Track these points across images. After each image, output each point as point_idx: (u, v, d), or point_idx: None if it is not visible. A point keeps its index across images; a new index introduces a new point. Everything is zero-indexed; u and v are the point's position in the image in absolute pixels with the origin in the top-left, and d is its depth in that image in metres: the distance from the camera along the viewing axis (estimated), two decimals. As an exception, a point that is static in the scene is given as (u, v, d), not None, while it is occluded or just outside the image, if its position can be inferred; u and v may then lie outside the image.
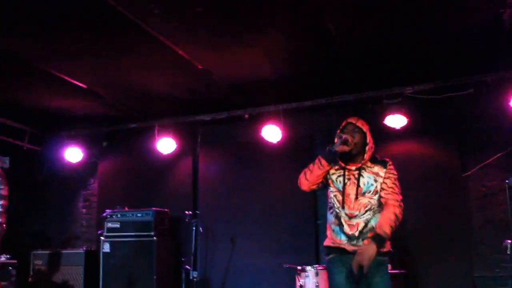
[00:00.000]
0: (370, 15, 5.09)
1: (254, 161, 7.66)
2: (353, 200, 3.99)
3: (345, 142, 3.94)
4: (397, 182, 4.04)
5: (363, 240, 3.90)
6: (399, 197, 3.99)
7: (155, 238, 7.08)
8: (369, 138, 4.08)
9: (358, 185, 4.01)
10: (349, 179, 4.05)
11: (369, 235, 3.89)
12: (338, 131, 4.13)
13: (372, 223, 3.93)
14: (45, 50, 5.78)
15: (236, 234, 7.44)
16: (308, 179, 4.10)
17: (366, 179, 4.02)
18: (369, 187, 4.00)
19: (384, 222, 3.85)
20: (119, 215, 7.37)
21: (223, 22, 5.18)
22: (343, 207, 4.01)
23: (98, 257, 7.36)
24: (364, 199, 3.97)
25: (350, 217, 3.97)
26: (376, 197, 3.98)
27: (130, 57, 5.95)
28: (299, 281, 6.00)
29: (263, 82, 6.65)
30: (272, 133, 7.16)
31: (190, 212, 7.23)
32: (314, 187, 4.17)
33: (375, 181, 4.01)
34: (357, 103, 7.05)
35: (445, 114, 6.80)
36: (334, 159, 4.03)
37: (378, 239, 3.78)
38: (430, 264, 6.54)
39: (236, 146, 7.88)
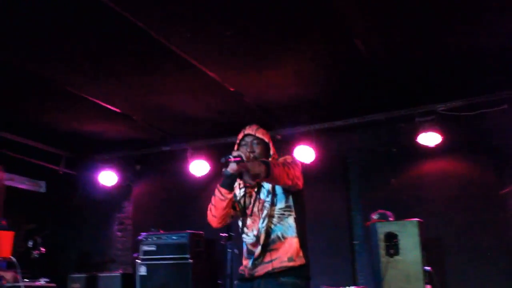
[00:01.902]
0: (399, 32, 5.08)
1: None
2: (255, 218, 3.49)
3: (240, 162, 3.23)
4: (293, 163, 3.38)
5: (269, 252, 3.40)
6: (298, 171, 3.40)
7: (190, 260, 7.08)
8: (272, 149, 3.60)
9: (259, 198, 3.51)
10: (250, 197, 3.57)
11: (274, 246, 3.39)
12: (236, 146, 3.63)
13: (277, 232, 3.41)
14: (79, 75, 5.91)
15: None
16: (215, 215, 3.50)
17: (268, 187, 3.51)
18: (270, 198, 3.48)
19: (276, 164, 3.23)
20: (154, 238, 7.40)
21: (252, 44, 5.22)
22: (245, 232, 3.54)
23: (134, 280, 7.38)
24: (265, 210, 3.47)
25: (257, 236, 3.45)
26: (275, 198, 3.46)
27: (162, 80, 6.03)
28: (336, 302, 5.94)
29: (294, 102, 6.66)
30: (304, 153, 7.14)
31: (225, 234, 7.20)
32: (226, 220, 3.55)
33: (276, 192, 3.50)
34: (389, 122, 7.01)
35: (479, 130, 6.68)
36: (234, 181, 3.42)
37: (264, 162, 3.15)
38: (470, 283, 6.40)
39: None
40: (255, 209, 3.51)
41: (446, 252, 6.51)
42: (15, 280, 6.40)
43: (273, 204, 3.46)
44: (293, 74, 5.88)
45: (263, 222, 3.42)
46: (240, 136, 3.65)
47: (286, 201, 3.47)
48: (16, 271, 6.32)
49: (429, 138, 6.59)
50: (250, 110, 6.89)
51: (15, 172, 8.46)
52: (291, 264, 3.36)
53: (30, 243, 7.17)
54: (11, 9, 4.55)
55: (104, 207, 8.91)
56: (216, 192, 3.45)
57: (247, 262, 3.49)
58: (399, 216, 6.15)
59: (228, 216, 3.55)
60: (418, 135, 6.62)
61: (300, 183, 3.43)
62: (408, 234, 5.86)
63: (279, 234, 3.40)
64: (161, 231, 7.46)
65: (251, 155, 3.46)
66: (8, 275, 6.48)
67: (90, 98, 6.49)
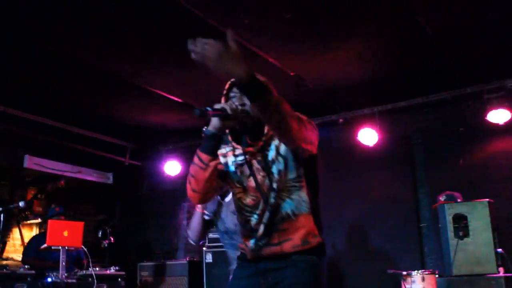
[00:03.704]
0: (464, 6, 4.89)
1: (350, 166, 7.53)
2: (259, 197, 2.69)
3: (225, 117, 2.54)
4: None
5: (277, 232, 2.66)
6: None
7: (255, 246, 7.10)
8: None
9: (264, 176, 2.69)
10: (250, 165, 2.72)
11: (284, 226, 2.65)
12: (223, 98, 2.74)
13: (286, 208, 2.66)
14: (140, 67, 6.00)
15: (335, 241, 7.33)
16: (195, 190, 2.67)
17: (276, 162, 2.68)
18: (278, 166, 2.67)
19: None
20: (221, 225, 7.45)
21: (312, 27, 5.16)
22: (243, 207, 2.78)
23: (201, 267, 7.47)
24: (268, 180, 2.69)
25: (258, 214, 2.70)
26: (288, 176, 2.66)
27: (222, 68, 6.04)
28: (405, 286, 5.83)
29: (356, 85, 6.55)
30: (368, 136, 7.03)
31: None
32: (211, 195, 2.82)
33: (286, 158, 2.68)
34: (456, 100, 6.78)
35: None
36: (219, 143, 2.65)
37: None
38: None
39: (332, 151, 7.79)
40: (258, 181, 2.70)
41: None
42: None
43: (282, 173, 2.66)
44: (354, 55, 5.78)
45: (269, 197, 2.66)
46: (227, 85, 2.75)
47: (297, 170, 2.68)
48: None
49: (499, 116, 6.36)
50: (312, 94, 6.83)
51: (83, 165, 8.69)
52: (306, 247, 2.66)
53: (99, 233, 7.36)
54: (80, 6, 4.67)
55: (170, 196, 9.03)
56: (195, 159, 2.63)
57: (247, 241, 2.75)
58: (468, 197, 5.96)
59: (214, 189, 2.77)
60: (487, 113, 6.39)
61: (314, 147, 2.67)
62: (478, 215, 5.66)
63: (289, 211, 2.65)
64: (226, 218, 7.50)
65: (241, 107, 2.62)
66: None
67: (153, 90, 6.59)
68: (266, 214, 2.66)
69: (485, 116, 6.41)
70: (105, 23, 5.03)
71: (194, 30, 5.13)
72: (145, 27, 5.10)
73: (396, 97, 7.01)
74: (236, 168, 2.77)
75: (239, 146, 2.76)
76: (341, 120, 7.43)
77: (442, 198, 6.05)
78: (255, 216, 2.71)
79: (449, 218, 5.75)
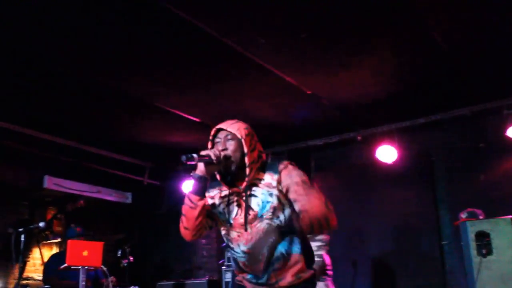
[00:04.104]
0: (480, 21, 4.87)
1: (370, 183, 7.49)
2: (243, 231, 2.89)
3: (208, 162, 2.81)
4: (304, 182, 2.80)
5: (273, 272, 2.86)
6: (322, 199, 2.74)
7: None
8: (247, 146, 2.86)
9: (250, 208, 2.88)
10: (234, 204, 2.94)
11: (279, 265, 2.85)
12: (209, 143, 2.98)
13: (281, 249, 2.86)
14: (161, 88, 6.06)
15: (356, 258, 7.26)
16: (187, 228, 2.91)
17: (260, 196, 2.87)
18: (264, 205, 2.86)
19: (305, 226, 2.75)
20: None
21: (328, 45, 5.18)
22: (232, 246, 2.98)
23: (220, 286, 7.45)
24: (262, 224, 2.87)
25: (248, 253, 2.90)
26: (276, 214, 2.85)
27: (238, 87, 6.08)
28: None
29: (373, 102, 6.52)
30: (387, 153, 6.98)
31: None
32: (201, 232, 2.96)
33: (270, 195, 2.85)
34: (475, 116, 6.72)
35: None
36: (205, 186, 2.87)
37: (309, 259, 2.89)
38: None
39: (351, 169, 7.75)
40: (241, 220, 2.90)
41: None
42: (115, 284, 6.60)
43: (274, 218, 2.86)
44: (371, 72, 5.77)
45: (268, 240, 2.85)
46: (213, 132, 2.98)
47: (290, 214, 2.89)
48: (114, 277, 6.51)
49: (519, 131, 6.29)
50: (329, 112, 6.81)
51: (102, 185, 8.74)
52: (298, 281, 2.88)
53: (119, 253, 7.37)
54: (101, 31, 4.75)
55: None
56: (186, 200, 2.90)
57: (244, 275, 3.00)
58: (490, 214, 5.88)
59: (204, 227, 2.96)
60: (507, 128, 6.32)
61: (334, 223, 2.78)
62: (501, 232, 5.59)
63: (283, 251, 2.86)
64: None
65: (222, 153, 2.85)
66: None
67: (171, 110, 6.64)
68: (265, 255, 2.86)
69: (505, 131, 6.33)
70: (124, 47, 5.10)
71: (212, 52, 5.20)
72: (164, 49, 5.14)
73: (415, 113, 6.96)
74: (223, 208, 2.98)
75: (226, 187, 2.95)
76: (359, 138, 7.38)
77: (463, 215, 5.98)
78: (243, 254, 2.93)
79: (472, 236, 5.68)
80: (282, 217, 2.87)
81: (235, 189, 2.93)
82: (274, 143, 7.93)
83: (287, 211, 2.88)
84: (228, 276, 7.36)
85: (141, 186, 8.85)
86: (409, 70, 5.80)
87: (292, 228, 2.89)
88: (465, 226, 5.77)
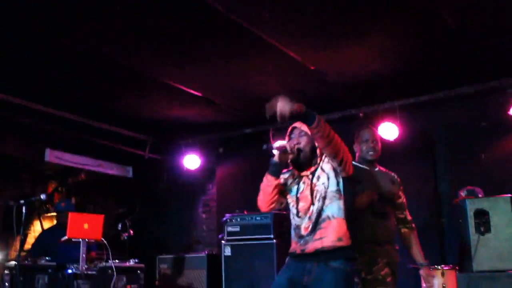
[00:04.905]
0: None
1: (371, 160, 7.48)
2: (309, 204, 3.60)
3: (284, 152, 3.61)
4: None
5: (319, 230, 3.51)
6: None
7: (274, 240, 7.10)
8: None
9: (312, 189, 3.60)
10: (303, 183, 3.68)
11: (324, 225, 3.50)
12: (287, 137, 3.76)
13: (328, 212, 3.51)
14: (162, 62, 6.03)
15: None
16: (263, 199, 3.73)
17: (322, 179, 3.60)
18: (323, 180, 3.60)
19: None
20: (238, 219, 7.46)
21: (333, 21, 5.15)
22: (298, 215, 3.65)
23: (220, 260, 7.49)
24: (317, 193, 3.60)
25: (309, 218, 3.60)
26: (328, 182, 3.56)
27: (242, 62, 6.05)
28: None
29: (377, 79, 6.51)
30: (388, 130, 6.98)
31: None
32: (274, 205, 3.74)
33: (328, 179, 3.58)
34: (478, 94, 6.71)
35: None
36: (280, 169, 3.68)
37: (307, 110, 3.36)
38: None
39: (351, 145, 7.74)
40: (307, 193, 3.64)
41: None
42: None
43: (325, 186, 3.57)
44: (376, 49, 5.75)
45: (316, 203, 3.57)
46: (289, 129, 3.80)
47: (337, 185, 3.58)
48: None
49: (523, 110, 6.29)
50: (332, 88, 6.81)
51: (103, 158, 8.76)
52: (340, 244, 3.47)
53: (119, 226, 7.41)
54: (104, 3, 4.73)
55: (189, 190, 9.08)
56: (264, 178, 3.70)
57: (297, 240, 3.65)
58: (489, 193, 5.90)
59: (276, 201, 3.73)
60: (509, 107, 6.32)
61: (350, 169, 3.56)
62: (500, 210, 5.61)
63: (329, 214, 3.52)
64: (245, 212, 7.53)
65: (296, 146, 3.66)
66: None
67: (173, 84, 6.62)
68: (314, 215, 3.54)
69: (508, 111, 6.33)
70: (127, 20, 5.07)
71: (216, 26, 5.17)
72: (166, 22, 5.11)
73: (418, 91, 6.95)
74: (294, 186, 3.74)
75: (296, 172, 3.75)
76: (361, 114, 7.38)
77: (463, 193, 6.01)
78: (305, 220, 3.59)
79: (470, 214, 5.69)
80: (330, 183, 3.56)
81: (303, 173, 3.69)
82: (276, 119, 7.89)
83: (335, 181, 3.56)
84: (227, 251, 7.40)
85: (142, 160, 8.88)
86: (414, 47, 5.77)
87: (339, 196, 3.56)
88: (465, 204, 5.79)
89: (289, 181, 3.80)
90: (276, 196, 3.71)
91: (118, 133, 8.31)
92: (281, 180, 3.76)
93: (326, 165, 3.63)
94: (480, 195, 5.95)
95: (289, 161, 3.71)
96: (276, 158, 3.65)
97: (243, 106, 7.54)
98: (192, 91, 6.86)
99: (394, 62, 6.08)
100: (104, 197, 9.52)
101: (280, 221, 7.29)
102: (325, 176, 3.59)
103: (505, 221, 5.55)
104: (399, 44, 5.65)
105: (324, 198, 3.55)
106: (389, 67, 6.20)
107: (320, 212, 3.54)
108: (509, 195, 5.65)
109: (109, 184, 9.34)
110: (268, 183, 3.67)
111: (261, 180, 8.00)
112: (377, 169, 4.33)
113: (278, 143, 3.62)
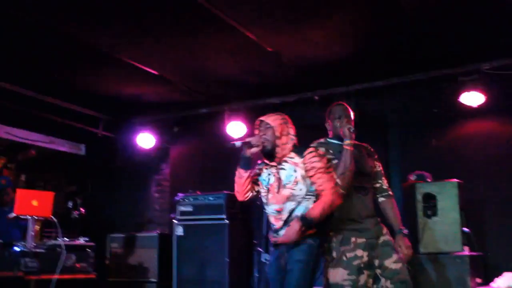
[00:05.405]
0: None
1: (325, 144, 7.55)
2: (275, 194, 4.00)
3: (250, 146, 4.01)
4: (321, 168, 3.89)
5: (287, 227, 3.92)
6: (331, 184, 3.87)
7: (226, 220, 7.13)
8: (279, 132, 3.98)
9: (279, 178, 3.99)
10: (271, 174, 4.06)
11: (292, 223, 3.88)
12: (256, 131, 4.15)
13: (297, 212, 3.90)
14: (116, 38, 5.91)
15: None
16: (237, 191, 4.20)
17: (287, 170, 3.97)
18: (289, 178, 3.95)
19: (315, 207, 3.84)
20: (191, 199, 7.46)
21: (291, 3, 5.12)
22: (267, 204, 4.08)
23: (171, 240, 7.49)
24: (285, 191, 3.94)
25: (278, 211, 3.99)
26: (297, 186, 3.91)
27: (199, 41, 5.99)
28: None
29: (333, 63, 6.53)
30: (342, 114, 7.04)
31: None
32: (248, 194, 4.19)
33: (295, 171, 3.94)
34: (431, 81, 6.82)
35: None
36: (249, 162, 4.07)
37: (303, 220, 3.80)
38: (511, 245, 6.29)
39: (306, 128, 7.77)
40: (275, 186, 4.02)
41: (487, 214, 6.41)
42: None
43: (295, 189, 3.93)
44: (332, 33, 5.76)
45: (288, 204, 3.95)
46: (257, 123, 4.14)
47: (308, 188, 3.94)
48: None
49: (472, 98, 6.42)
50: (289, 70, 6.81)
51: (55, 135, 8.59)
52: (304, 234, 3.85)
53: (70, 204, 7.30)
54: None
55: (142, 169, 9.00)
56: (236, 171, 4.13)
57: (271, 234, 4.10)
58: (439, 178, 6.05)
59: (250, 191, 4.17)
60: (460, 95, 6.46)
61: (339, 200, 3.94)
62: (447, 195, 5.76)
63: (298, 213, 3.90)
64: (198, 192, 7.52)
65: (261, 138, 4.00)
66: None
67: (129, 61, 6.49)
68: (285, 215, 3.94)
69: (459, 98, 6.47)
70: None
71: (174, 3, 5.09)
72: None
73: (373, 76, 7.02)
74: (265, 176, 4.12)
75: (268, 162, 4.09)
76: (316, 98, 7.41)
77: (412, 178, 6.13)
78: (277, 215, 3.99)
79: (419, 197, 5.84)
80: (301, 188, 3.91)
81: (273, 163, 4.04)
82: (232, 100, 7.91)
83: (306, 185, 3.91)
84: (179, 230, 7.39)
85: (96, 138, 8.72)
86: (370, 33, 5.81)
87: (310, 197, 3.93)
88: (413, 188, 5.92)
89: (261, 172, 4.17)
90: (249, 186, 4.14)
91: (71, 110, 8.13)
92: (256, 171, 4.17)
93: (296, 161, 3.97)
94: (428, 180, 6.08)
95: (255, 153, 4.04)
96: (244, 153, 4.02)
97: (199, 86, 7.49)
98: (148, 69, 6.76)
99: (350, 46, 6.11)
100: (55, 175, 9.33)
101: (233, 201, 7.32)
102: (293, 175, 3.94)
103: (451, 205, 5.71)
104: (356, 28, 5.68)
105: (295, 201, 3.93)
106: (345, 51, 6.23)
107: (291, 212, 3.93)
108: (456, 180, 5.80)
109: (61, 161, 9.16)
110: (239, 175, 4.10)
111: (215, 161, 8.24)
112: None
113: (247, 139, 4.03)
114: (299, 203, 3.92)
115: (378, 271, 4.06)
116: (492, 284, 5.64)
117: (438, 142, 6.86)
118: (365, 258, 4.03)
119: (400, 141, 7.14)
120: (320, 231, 3.93)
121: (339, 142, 4.25)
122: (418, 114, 7.04)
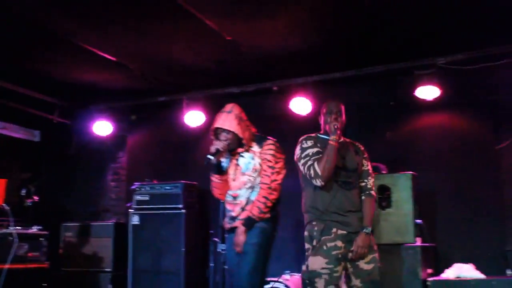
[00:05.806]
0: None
1: (282, 134, 7.52)
2: (232, 181, 4.42)
3: (216, 153, 4.29)
4: (270, 162, 4.34)
5: (244, 212, 4.34)
6: (269, 179, 4.28)
7: (183, 210, 7.10)
8: (241, 133, 4.36)
9: (237, 165, 4.41)
10: (231, 162, 4.48)
11: (248, 207, 4.31)
12: (213, 136, 4.46)
13: (252, 198, 4.31)
14: (73, 22, 5.79)
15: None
16: (221, 194, 4.53)
17: (246, 158, 4.39)
18: (247, 165, 4.36)
19: (253, 205, 4.25)
20: (148, 188, 7.40)
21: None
22: (229, 190, 4.47)
23: (127, 229, 7.42)
24: (243, 177, 4.35)
25: (234, 197, 4.40)
26: (255, 174, 4.32)
27: (158, 28, 5.92)
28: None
29: (292, 53, 6.55)
30: (301, 105, 7.08)
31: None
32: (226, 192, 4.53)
33: (253, 158, 4.36)
34: (388, 74, 6.93)
35: (479, 85, 6.58)
36: (220, 167, 4.42)
37: (247, 222, 4.24)
38: (461, 237, 6.43)
39: (264, 119, 7.78)
40: (233, 173, 4.43)
41: (439, 206, 6.55)
42: None
43: (253, 176, 4.32)
44: (292, 23, 5.77)
45: (244, 191, 4.35)
46: (213, 132, 4.46)
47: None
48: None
49: (428, 92, 6.53)
50: (247, 60, 6.80)
51: (9, 121, 8.40)
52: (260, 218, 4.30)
53: (23, 192, 7.15)
54: None
55: (99, 157, 8.88)
56: (213, 178, 4.44)
57: (227, 221, 4.50)
58: (393, 170, 6.14)
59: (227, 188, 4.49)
60: (416, 88, 6.55)
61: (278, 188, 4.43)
62: (401, 187, 5.86)
63: (253, 198, 4.30)
64: (155, 181, 7.46)
65: (225, 143, 4.34)
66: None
67: (85, 46, 6.36)
68: (243, 202, 4.33)
69: (414, 91, 6.57)
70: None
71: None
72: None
73: (330, 68, 7.07)
74: (228, 165, 4.49)
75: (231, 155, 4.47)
76: (275, 88, 7.43)
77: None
78: (234, 201, 4.39)
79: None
80: (256, 175, 4.30)
81: (233, 153, 4.43)
82: (191, 88, 7.86)
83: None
84: (135, 219, 7.33)
85: (51, 125, 8.56)
86: (329, 24, 5.84)
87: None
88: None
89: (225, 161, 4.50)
90: (227, 186, 4.45)
91: (26, 95, 7.94)
92: (225, 164, 4.49)
93: (255, 150, 4.39)
94: (383, 172, 6.16)
95: (224, 154, 4.41)
96: (214, 160, 4.30)
97: (157, 73, 7.41)
98: (105, 55, 6.64)
99: (309, 37, 6.13)
100: (8, 161, 9.12)
101: (190, 191, 7.31)
102: (251, 163, 4.35)
103: (405, 197, 5.81)
104: (314, 19, 5.70)
105: (252, 187, 4.30)
106: (304, 42, 6.25)
107: (248, 198, 4.30)
108: (411, 172, 5.90)
109: (14, 147, 8.96)
110: (217, 180, 4.42)
111: (173, 150, 8.25)
112: (341, 140, 4.32)
113: (212, 149, 4.25)
114: (254, 189, 4.30)
115: (350, 269, 4.10)
116: (442, 274, 5.77)
117: (393, 134, 6.95)
118: (343, 250, 4.06)
119: (356, 133, 7.17)
120: (273, 215, 4.34)
121: (327, 137, 4.25)
122: (374, 107, 7.13)
